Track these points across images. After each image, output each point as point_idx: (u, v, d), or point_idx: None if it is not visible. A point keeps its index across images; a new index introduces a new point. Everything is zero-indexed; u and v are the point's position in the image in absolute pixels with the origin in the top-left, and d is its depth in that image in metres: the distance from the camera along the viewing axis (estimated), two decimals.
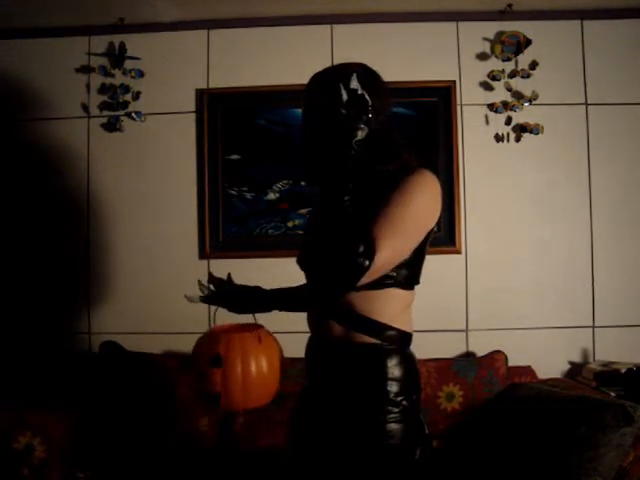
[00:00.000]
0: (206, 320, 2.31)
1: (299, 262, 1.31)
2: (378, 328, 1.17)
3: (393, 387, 1.15)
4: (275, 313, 1.49)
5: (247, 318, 1.53)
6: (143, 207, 2.36)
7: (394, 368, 1.16)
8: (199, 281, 1.47)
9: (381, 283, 1.15)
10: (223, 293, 1.47)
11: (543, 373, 2.19)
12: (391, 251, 1.07)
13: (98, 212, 2.36)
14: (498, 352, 2.16)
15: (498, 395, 2.03)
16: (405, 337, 1.21)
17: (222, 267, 2.32)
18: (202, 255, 2.34)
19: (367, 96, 1.09)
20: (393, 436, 1.12)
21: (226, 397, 1.37)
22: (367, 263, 1.03)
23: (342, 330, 1.19)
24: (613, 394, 1.97)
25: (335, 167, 1.09)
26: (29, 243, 2.37)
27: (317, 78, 1.20)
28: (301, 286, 1.44)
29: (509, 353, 2.17)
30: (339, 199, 1.07)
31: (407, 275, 1.19)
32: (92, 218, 2.36)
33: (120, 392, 2.02)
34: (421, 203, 1.12)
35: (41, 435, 1.71)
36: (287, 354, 2.14)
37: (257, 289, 1.49)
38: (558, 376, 2.26)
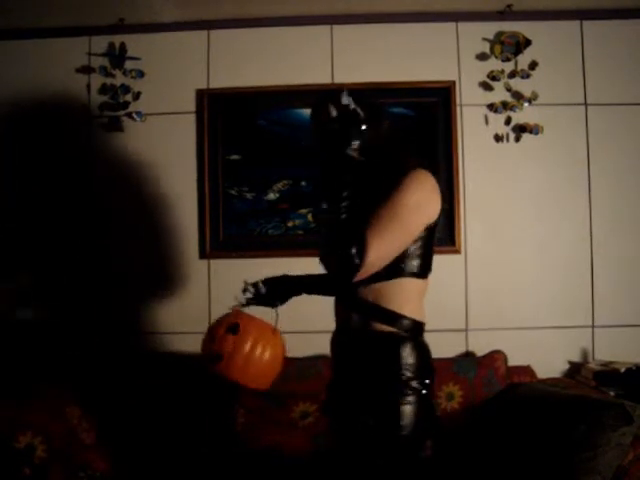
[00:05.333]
0: (206, 320, 2.31)
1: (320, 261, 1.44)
2: (391, 316, 1.28)
3: (407, 372, 1.25)
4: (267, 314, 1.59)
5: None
6: (143, 207, 2.36)
7: (408, 355, 1.26)
8: (245, 282, 1.62)
9: (390, 273, 1.26)
10: (261, 291, 1.60)
11: (543, 373, 2.19)
12: (379, 250, 1.19)
13: (98, 212, 2.37)
14: (498, 352, 2.16)
15: (498, 395, 2.03)
16: (417, 325, 1.32)
17: (222, 267, 2.34)
18: (202, 255, 2.34)
19: (359, 110, 1.22)
20: (406, 417, 1.22)
21: (227, 362, 1.54)
22: (358, 262, 1.17)
23: (359, 319, 1.31)
24: (612, 393, 1.97)
25: (333, 177, 1.24)
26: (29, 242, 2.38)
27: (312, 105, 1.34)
28: (323, 274, 1.56)
29: (509, 353, 2.17)
30: (337, 205, 1.21)
31: (415, 266, 1.30)
32: (92, 218, 2.36)
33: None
34: (410, 202, 1.22)
35: (42, 435, 1.71)
36: (287, 354, 2.15)
37: (284, 277, 1.62)
38: (557, 376, 2.26)
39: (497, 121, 2.30)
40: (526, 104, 2.27)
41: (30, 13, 2.26)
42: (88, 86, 2.37)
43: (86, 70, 2.37)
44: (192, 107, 2.37)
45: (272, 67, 2.35)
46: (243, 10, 2.31)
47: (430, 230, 1.30)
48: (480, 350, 2.25)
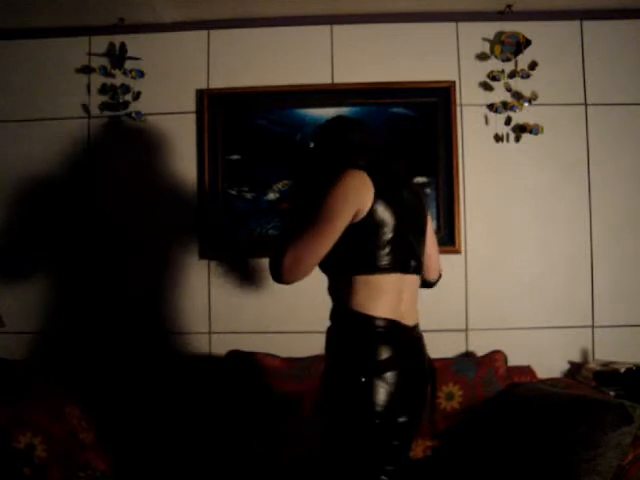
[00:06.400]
0: (206, 320, 2.31)
1: None
2: (337, 309, 1.40)
3: (340, 361, 1.35)
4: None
5: None
6: (143, 207, 2.36)
7: (375, 353, 1.31)
8: None
9: (327, 271, 1.40)
10: None
11: (543, 373, 2.19)
12: (294, 254, 1.27)
13: (97, 212, 2.37)
14: (498, 352, 2.16)
15: (498, 395, 2.03)
16: (392, 324, 1.34)
17: (222, 267, 2.34)
18: (202, 255, 2.34)
19: (312, 144, 1.53)
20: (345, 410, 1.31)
21: None
22: (279, 267, 1.28)
23: (333, 319, 1.43)
24: (612, 394, 1.97)
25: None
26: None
27: None
28: None
29: (509, 353, 2.17)
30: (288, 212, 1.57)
31: (382, 261, 1.33)
32: (91, 217, 2.36)
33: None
34: (323, 203, 1.29)
35: (42, 435, 1.71)
36: (287, 354, 2.16)
37: None
38: (558, 376, 2.26)
39: (497, 121, 2.31)
40: (526, 104, 2.27)
41: (30, 13, 2.26)
42: (88, 86, 2.37)
43: (86, 70, 2.37)
44: (192, 107, 2.37)
45: (272, 67, 2.35)
46: (243, 10, 2.31)
47: (356, 227, 1.30)
48: (480, 350, 2.25)
